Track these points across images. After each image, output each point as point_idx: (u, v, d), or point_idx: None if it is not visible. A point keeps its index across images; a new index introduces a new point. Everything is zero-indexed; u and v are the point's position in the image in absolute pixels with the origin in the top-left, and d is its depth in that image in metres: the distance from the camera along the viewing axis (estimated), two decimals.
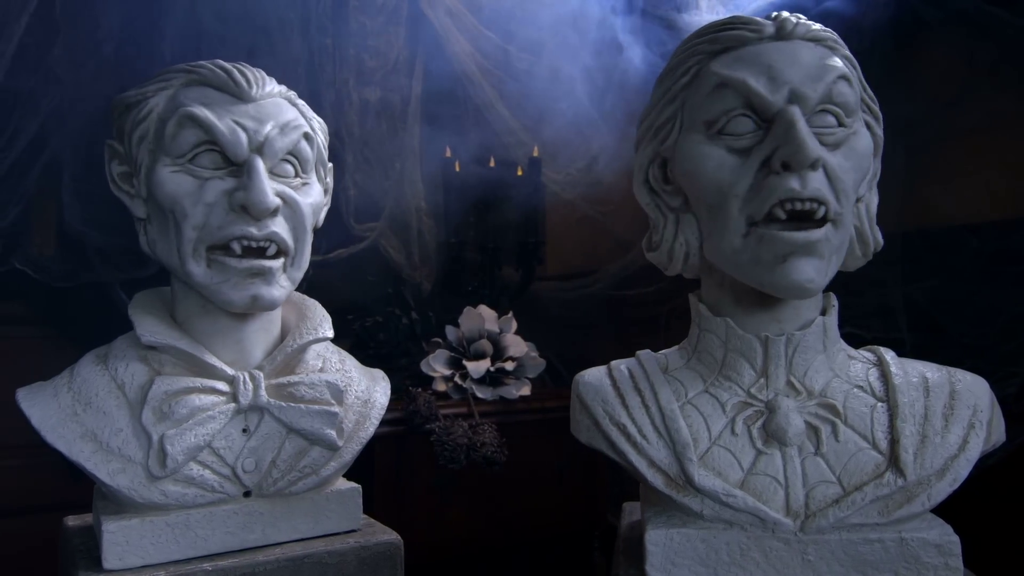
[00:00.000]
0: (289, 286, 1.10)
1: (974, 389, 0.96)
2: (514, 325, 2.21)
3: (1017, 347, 1.60)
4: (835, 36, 0.96)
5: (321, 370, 1.17)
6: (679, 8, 2.07)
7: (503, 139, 2.49)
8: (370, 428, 1.18)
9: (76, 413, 1.03)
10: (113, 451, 1.01)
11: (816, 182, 0.87)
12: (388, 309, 2.27)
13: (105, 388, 1.05)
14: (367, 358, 2.14)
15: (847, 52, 0.96)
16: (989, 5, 1.67)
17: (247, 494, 1.08)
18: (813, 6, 1.92)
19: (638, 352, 1.08)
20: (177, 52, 1.99)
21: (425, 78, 2.45)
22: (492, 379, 2.12)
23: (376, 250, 2.36)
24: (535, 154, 2.43)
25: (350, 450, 1.15)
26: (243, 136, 1.03)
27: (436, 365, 2.12)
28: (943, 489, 0.89)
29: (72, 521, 1.22)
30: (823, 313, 0.99)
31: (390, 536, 1.16)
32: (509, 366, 2.13)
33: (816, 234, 0.88)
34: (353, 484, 1.18)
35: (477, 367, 2.09)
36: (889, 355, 1.01)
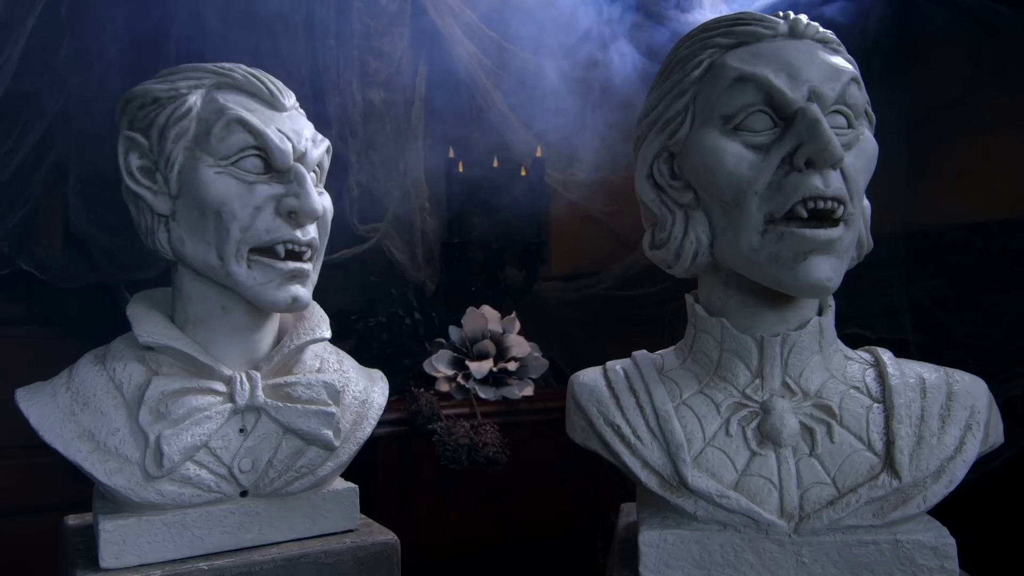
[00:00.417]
0: (311, 287, 1.14)
1: (972, 390, 0.95)
2: (517, 325, 2.21)
3: (1022, 347, 1.59)
4: (838, 39, 0.97)
5: (319, 370, 1.17)
6: (681, 7, 2.07)
7: (507, 139, 2.49)
8: (367, 428, 1.19)
9: (74, 413, 1.04)
10: (110, 451, 1.02)
11: (837, 181, 0.87)
12: (391, 309, 2.27)
13: (103, 388, 1.06)
14: (370, 358, 2.15)
15: (848, 56, 0.96)
16: (993, 3, 1.65)
17: (244, 494, 1.08)
18: (818, 3, 1.91)
19: (634, 352, 1.07)
20: (182, 53, 2.00)
21: (428, 79, 2.45)
22: (495, 379, 2.12)
23: (380, 251, 2.36)
24: (539, 154, 2.42)
25: (347, 450, 1.15)
26: (289, 145, 1.07)
27: (439, 365, 2.12)
28: (939, 491, 0.88)
29: (72, 520, 1.23)
30: (819, 313, 0.98)
31: (387, 536, 1.16)
32: (512, 366, 2.13)
33: (835, 232, 0.88)
34: (350, 484, 1.18)
35: (480, 367, 2.09)
36: (886, 356, 1.00)
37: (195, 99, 1.07)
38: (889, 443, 0.90)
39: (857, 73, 0.93)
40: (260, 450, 1.09)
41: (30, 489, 1.94)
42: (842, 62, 0.92)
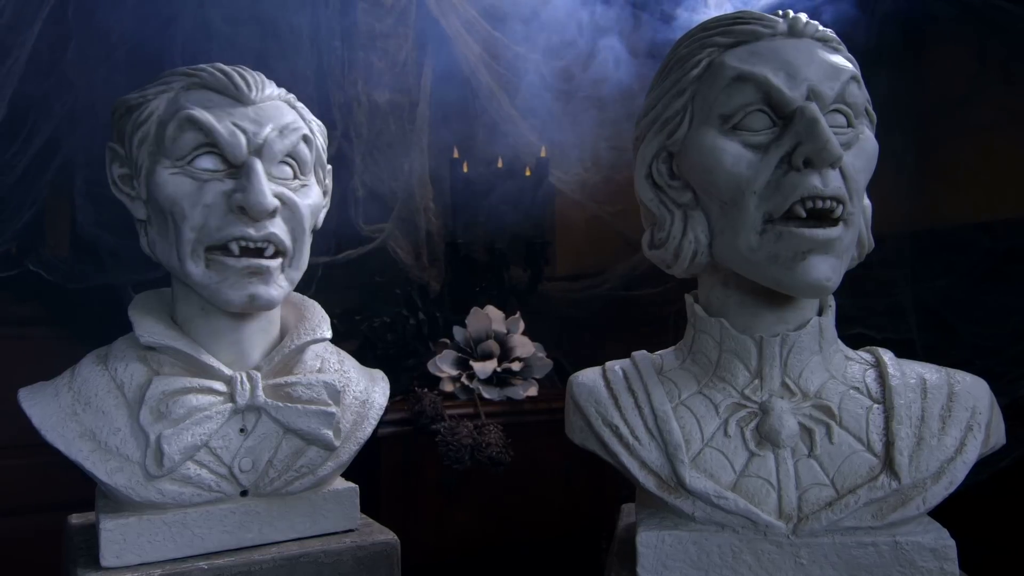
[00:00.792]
0: (287, 286, 1.11)
1: (973, 391, 0.94)
2: (521, 326, 2.21)
3: None
4: (838, 38, 0.96)
5: (319, 370, 1.17)
6: (685, 7, 2.06)
7: (511, 140, 2.49)
8: (368, 428, 1.19)
9: (76, 412, 1.04)
10: (111, 450, 1.03)
11: (836, 180, 0.87)
12: (396, 310, 2.28)
13: (104, 388, 1.06)
14: (375, 358, 2.16)
15: (849, 54, 0.96)
16: (1000, 1, 1.64)
17: (244, 493, 1.09)
18: (823, 2, 1.89)
19: (633, 352, 1.07)
20: (188, 55, 2.01)
21: (433, 79, 2.46)
22: (499, 380, 2.12)
23: (384, 251, 2.37)
24: (543, 154, 2.42)
25: (348, 450, 1.15)
26: (242, 138, 1.04)
27: (443, 365, 2.12)
28: (939, 492, 0.88)
29: (75, 519, 1.24)
30: (820, 313, 0.98)
31: (387, 536, 1.16)
32: (516, 367, 2.13)
33: (834, 232, 0.88)
34: (350, 484, 1.19)
35: (484, 368, 2.09)
36: (887, 356, 0.99)
37: (158, 104, 1.07)
38: (889, 444, 0.89)
39: (857, 72, 0.93)
40: (260, 450, 1.09)
41: (35, 488, 1.96)
42: (842, 61, 0.92)
